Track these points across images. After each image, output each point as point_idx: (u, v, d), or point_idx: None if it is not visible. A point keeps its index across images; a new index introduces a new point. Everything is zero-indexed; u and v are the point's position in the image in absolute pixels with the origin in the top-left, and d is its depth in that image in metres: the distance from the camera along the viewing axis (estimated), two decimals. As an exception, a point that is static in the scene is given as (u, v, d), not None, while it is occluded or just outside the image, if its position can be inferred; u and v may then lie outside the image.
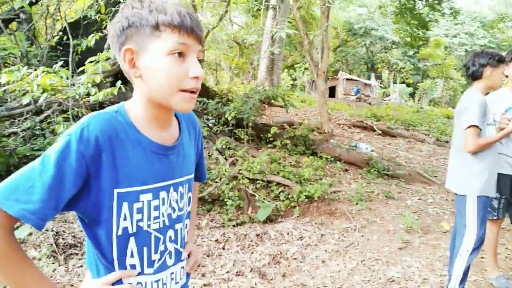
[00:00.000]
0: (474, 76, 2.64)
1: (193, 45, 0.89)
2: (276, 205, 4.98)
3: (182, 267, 1.07)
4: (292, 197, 5.12)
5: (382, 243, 4.00)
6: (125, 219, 0.90)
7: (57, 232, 3.48)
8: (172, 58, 0.86)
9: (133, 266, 0.94)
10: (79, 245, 3.52)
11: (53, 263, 3.11)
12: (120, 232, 0.90)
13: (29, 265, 0.85)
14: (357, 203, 5.07)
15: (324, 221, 4.67)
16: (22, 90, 3.78)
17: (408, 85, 34.98)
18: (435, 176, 6.64)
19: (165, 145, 0.97)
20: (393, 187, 5.99)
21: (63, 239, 3.45)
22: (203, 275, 3.24)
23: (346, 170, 6.65)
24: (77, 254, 3.40)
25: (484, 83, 2.62)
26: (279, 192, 5.26)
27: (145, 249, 0.95)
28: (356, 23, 34.05)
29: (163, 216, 0.98)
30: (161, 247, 0.98)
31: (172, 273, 1.03)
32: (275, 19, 12.18)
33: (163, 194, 0.97)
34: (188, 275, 1.14)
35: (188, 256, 1.13)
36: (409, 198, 5.49)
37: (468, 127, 2.49)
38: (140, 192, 0.92)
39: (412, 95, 33.83)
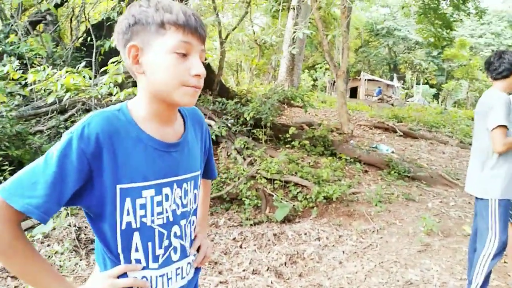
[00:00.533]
0: (500, 75, 2.53)
1: (196, 44, 0.92)
2: (294, 205, 4.97)
3: (189, 263, 1.08)
4: (310, 197, 5.10)
5: (401, 245, 3.95)
6: (128, 214, 0.92)
7: (79, 228, 3.57)
8: (175, 56, 0.89)
9: (138, 261, 0.96)
10: (100, 240, 3.61)
11: (75, 257, 3.20)
12: (124, 227, 0.92)
13: (35, 257, 0.88)
14: (376, 205, 5.01)
15: (342, 222, 4.64)
16: (47, 89, 3.90)
17: (431, 86, 34.31)
18: (457, 179, 6.49)
19: (167, 142, 0.98)
20: (414, 189, 5.89)
21: (84, 234, 3.54)
22: (220, 273, 3.27)
23: (366, 171, 6.57)
24: (97, 249, 3.49)
25: (509, 82, 2.53)
26: (297, 193, 5.25)
27: (149, 244, 0.96)
28: (379, 23, 33.61)
29: (167, 212, 0.99)
30: (165, 243, 0.99)
31: (178, 268, 1.04)
32: (295, 20, 12.17)
33: (166, 190, 0.98)
34: (197, 270, 1.14)
35: (198, 250, 1.15)
36: (430, 201, 5.39)
37: (496, 127, 2.41)
38: (142, 188, 0.93)
39: (436, 96, 33.15)
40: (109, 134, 0.89)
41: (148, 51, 0.90)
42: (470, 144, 9.73)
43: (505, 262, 3.49)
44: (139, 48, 0.90)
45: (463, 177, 6.73)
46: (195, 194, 1.10)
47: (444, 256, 3.65)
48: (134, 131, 0.93)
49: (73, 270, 3.08)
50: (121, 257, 0.95)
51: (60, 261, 3.12)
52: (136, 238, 0.94)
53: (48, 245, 3.34)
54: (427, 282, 3.17)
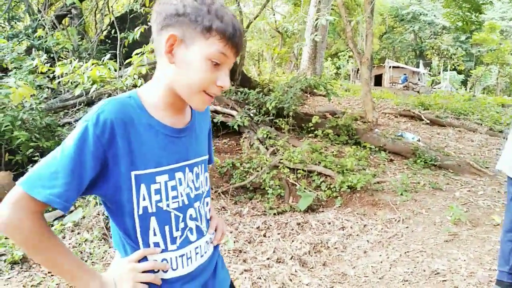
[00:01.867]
0: None
1: (231, 58, 0.94)
2: (317, 195, 4.96)
3: (206, 241, 1.11)
4: (334, 187, 5.07)
5: (428, 235, 3.88)
6: (144, 199, 0.94)
7: (107, 216, 3.67)
8: (209, 63, 0.90)
9: (156, 244, 0.98)
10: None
11: (104, 245, 3.30)
12: (141, 212, 0.95)
13: (60, 246, 0.91)
14: (401, 194, 4.93)
15: (366, 212, 4.60)
16: (74, 82, 4.00)
17: (459, 73, 33.24)
18: (486, 167, 6.31)
19: (176, 128, 1.01)
20: (441, 178, 5.76)
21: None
22: (244, 261, 3.31)
23: (391, 160, 6.47)
24: (125, 237, 3.58)
25: None
26: (321, 182, 5.23)
27: (166, 227, 0.99)
28: (404, 8, 32.70)
29: (182, 196, 1.01)
30: (181, 225, 1.02)
31: (197, 247, 1.07)
32: (318, 7, 11.98)
33: (179, 175, 1.01)
34: (215, 247, 1.19)
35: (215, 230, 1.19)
36: (458, 190, 5.26)
37: None
38: (156, 173, 0.95)
39: (464, 82, 32.13)
40: (123, 121, 0.90)
41: (187, 47, 0.91)
42: (500, 132, 9.47)
43: None
44: (179, 39, 0.90)
45: (493, 165, 6.55)
46: (206, 177, 1.13)
47: (472, 246, 3.57)
48: (145, 117, 0.95)
49: (102, 258, 3.17)
50: (140, 241, 0.97)
51: (89, 248, 3.22)
52: (153, 222, 0.97)
53: (78, 233, 3.46)
54: (454, 272, 3.11)
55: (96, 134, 0.86)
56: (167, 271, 1.00)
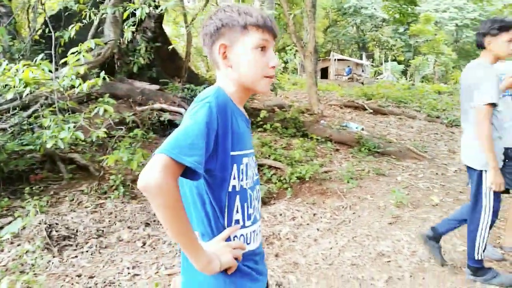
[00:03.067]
0: (478, 46, 2.59)
1: (271, 40, 1.14)
2: (269, 187, 5.02)
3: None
4: (284, 179, 5.16)
5: (373, 219, 4.07)
6: (234, 178, 1.09)
7: (50, 225, 3.50)
8: (257, 51, 1.10)
9: (237, 221, 1.13)
10: (73, 236, 3.55)
11: (47, 255, 3.14)
12: (230, 189, 1.09)
13: (186, 215, 1.00)
14: (348, 182, 5.12)
15: (316, 201, 4.72)
16: (6, 85, 3.75)
17: (399, 63, 34.88)
18: (425, 152, 6.70)
19: (248, 119, 1.22)
20: (384, 164, 6.05)
21: (56, 231, 3.47)
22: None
23: (337, 150, 6.69)
24: (71, 245, 3.43)
25: (488, 53, 2.55)
26: (271, 175, 5.30)
27: (245, 205, 1.14)
28: (345, 3, 33.73)
29: (253, 177, 1.18)
30: (254, 203, 1.18)
31: (259, 225, 1.23)
32: (261, 1, 12.05)
33: (250, 159, 1.18)
34: None
35: None
36: (400, 174, 5.55)
37: (486, 104, 2.44)
38: (243, 155, 1.12)
39: (404, 72, 33.76)
40: (230, 106, 1.09)
41: (235, 48, 1.11)
42: (437, 117, 10.02)
43: (499, 237, 3.62)
44: (227, 46, 1.11)
45: (431, 149, 6.97)
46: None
47: (413, 226, 3.79)
48: (235, 107, 1.14)
49: (46, 268, 3.02)
50: (226, 218, 1.11)
51: (31, 260, 3.06)
52: (237, 200, 1.12)
53: (19, 245, 3.27)
54: (398, 252, 3.29)
55: (217, 114, 1.02)
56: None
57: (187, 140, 0.96)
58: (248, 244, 1.16)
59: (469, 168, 2.70)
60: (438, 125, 9.23)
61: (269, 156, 5.68)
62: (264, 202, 4.87)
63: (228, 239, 1.10)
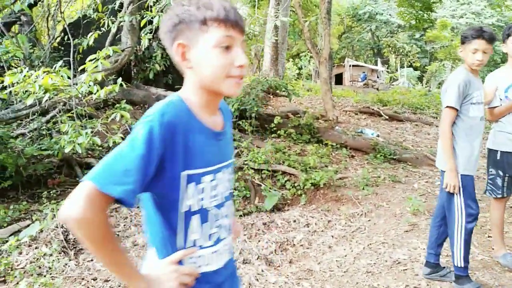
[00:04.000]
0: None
1: (237, 37, 1.00)
2: (283, 194, 5.01)
3: (230, 239, 1.20)
4: (298, 185, 5.14)
5: (389, 226, 4.01)
6: (190, 198, 1.00)
7: (66, 229, 3.55)
8: (219, 50, 0.97)
9: (195, 241, 1.04)
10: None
11: (63, 258, 3.19)
12: (186, 209, 1.01)
13: (120, 245, 0.96)
14: (363, 189, 5.07)
15: (330, 208, 4.69)
16: (26, 91, 3.84)
17: (415, 69, 34.56)
18: (442, 158, 6.58)
19: (217, 131, 1.08)
20: (400, 171, 5.97)
21: (72, 235, 3.52)
22: (210, 265, 3.29)
23: (352, 156, 6.63)
24: (87, 249, 3.47)
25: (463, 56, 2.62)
26: (285, 181, 5.29)
27: (205, 225, 1.06)
28: (360, 9, 33.64)
29: (220, 195, 1.09)
30: (217, 223, 1.09)
31: (226, 244, 1.14)
32: (276, 8, 12.11)
33: (219, 175, 1.08)
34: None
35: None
36: (416, 181, 5.47)
37: (445, 107, 2.55)
38: (203, 174, 1.02)
39: (420, 78, 33.42)
40: (181, 122, 0.97)
41: (194, 47, 0.98)
42: (454, 124, 9.86)
43: (489, 237, 3.58)
44: (186, 45, 0.98)
45: (448, 156, 6.83)
46: (232, 177, 1.20)
47: (430, 235, 3.71)
48: (194, 120, 1.01)
49: (63, 271, 3.06)
50: (182, 239, 1.03)
51: (48, 262, 3.11)
52: (195, 220, 1.03)
53: (36, 248, 3.32)
54: (414, 260, 3.23)
55: (161, 134, 0.91)
56: (200, 266, 1.07)
57: (119, 167, 0.88)
58: (206, 265, 1.08)
59: (441, 171, 2.72)
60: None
61: (283, 162, 5.66)
62: (278, 208, 4.86)
63: (189, 257, 1.04)
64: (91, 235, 0.88)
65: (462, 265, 2.64)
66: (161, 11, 4.34)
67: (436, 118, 10.58)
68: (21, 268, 3.07)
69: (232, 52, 0.98)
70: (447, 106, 2.53)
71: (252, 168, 5.40)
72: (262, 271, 3.18)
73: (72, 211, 0.85)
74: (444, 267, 2.91)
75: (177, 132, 0.95)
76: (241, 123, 6.91)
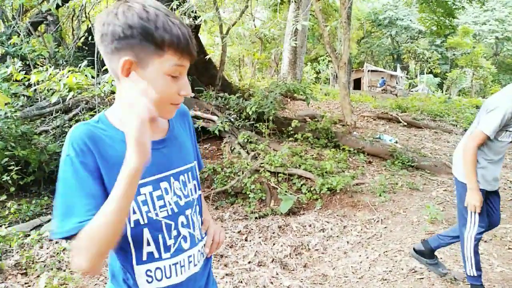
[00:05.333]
0: None
1: (187, 65, 0.95)
2: (298, 197, 5.00)
3: (199, 250, 1.12)
4: (314, 189, 5.13)
5: (406, 234, 3.97)
6: (134, 212, 0.96)
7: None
8: (168, 78, 0.92)
9: (150, 254, 1.00)
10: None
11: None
12: (133, 225, 0.96)
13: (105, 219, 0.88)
14: (380, 195, 5.03)
15: (346, 213, 4.67)
16: (50, 89, 3.95)
17: (435, 75, 34.04)
18: (462, 167, 6.47)
19: (152, 141, 0.94)
20: (418, 178, 5.90)
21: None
22: (225, 265, 3.31)
23: (370, 162, 6.58)
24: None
25: None
26: (301, 185, 5.28)
27: (159, 236, 1.00)
28: (380, 14, 33.36)
29: (170, 204, 1.02)
30: (174, 233, 1.03)
31: (190, 256, 1.08)
32: (296, 12, 12.13)
33: (164, 184, 1.02)
34: (208, 259, 1.19)
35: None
36: (434, 189, 5.39)
37: (481, 130, 2.46)
38: (139, 185, 0.95)
39: (440, 85, 32.91)
40: (93, 141, 0.92)
41: (143, 68, 0.90)
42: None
43: (509, 248, 3.51)
44: (133, 62, 0.89)
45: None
46: (194, 184, 1.13)
47: (448, 244, 3.66)
48: (118, 134, 0.95)
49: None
50: (133, 254, 0.98)
51: (68, 257, 3.18)
52: (146, 233, 0.98)
53: (56, 242, 3.40)
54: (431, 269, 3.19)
55: (78, 157, 0.89)
56: (161, 279, 1.02)
57: (64, 206, 0.86)
58: (168, 278, 1.03)
59: (456, 179, 2.70)
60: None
61: (299, 166, 5.66)
62: (294, 212, 4.85)
63: (145, 271, 1.00)
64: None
65: (475, 274, 2.62)
66: (184, 14, 4.40)
67: (456, 126, 10.41)
68: (42, 261, 3.15)
69: (179, 80, 0.94)
70: (482, 131, 2.43)
71: (268, 171, 5.41)
72: (277, 274, 3.19)
73: (80, 266, 0.84)
74: (436, 258, 3.03)
75: (92, 147, 0.91)
76: (258, 125, 6.94)
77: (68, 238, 0.85)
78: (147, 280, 1.00)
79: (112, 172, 0.90)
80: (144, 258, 0.99)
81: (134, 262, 0.99)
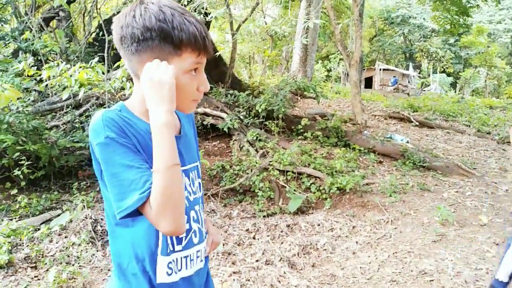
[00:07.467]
0: None
1: (205, 61, 0.99)
2: (307, 196, 4.97)
3: (204, 247, 1.15)
4: (324, 188, 5.09)
5: (416, 235, 3.91)
6: None
7: (95, 220, 3.64)
8: (188, 75, 0.96)
9: (165, 245, 1.01)
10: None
11: (91, 249, 3.27)
12: None
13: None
14: (390, 195, 4.96)
15: (356, 213, 4.62)
16: (62, 85, 3.97)
17: (448, 75, 33.60)
18: (474, 168, 6.38)
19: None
20: (429, 179, 5.81)
21: (101, 226, 3.61)
22: (233, 263, 3.30)
23: (380, 162, 6.51)
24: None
25: None
26: (310, 184, 5.25)
27: None
28: (393, 12, 33.00)
29: (188, 195, 1.06)
30: (187, 226, 1.05)
31: (198, 251, 1.11)
32: (307, 10, 12.04)
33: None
34: (205, 258, 1.19)
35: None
36: (446, 191, 5.31)
37: None
38: None
39: (453, 85, 32.47)
40: (124, 124, 0.93)
41: None
42: (488, 133, 9.54)
43: None
44: None
45: (480, 166, 6.63)
46: (199, 182, 1.16)
47: (459, 246, 3.60)
48: (143, 125, 0.97)
49: (90, 261, 3.15)
50: (160, 245, 1.00)
51: (77, 252, 3.20)
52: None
53: (66, 237, 3.42)
54: (441, 272, 3.14)
55: (119, 136, 0.90)
56: (171, 274, 1.02)
57: (125, 184, 0.88)
58: (179, 271, 1.04)
59: None
60: (488, 141, 8.77)
61: (309, 164, 5.62)
62: (302, 211, 4.83)
63: (167, 263, 1.02)
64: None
65: (505, 280, 2.56)
66: (195, 10, 4.38)
67: (469, 126, 10.25)
68: (51, 255, 3.17)
69: (198, 76, 0.98)
70: None
71: (277, 169, 5.38)
72: (285, 273, 3.17)
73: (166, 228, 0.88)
74: None
75: (126, 130, 0.92)
76: (267, 123, 6.91)
77: (133, 213, 0.88)
78: (167, 272, 1.01)
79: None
80: (169, 249, 1.01)
81: (159, 251, 1.00)
